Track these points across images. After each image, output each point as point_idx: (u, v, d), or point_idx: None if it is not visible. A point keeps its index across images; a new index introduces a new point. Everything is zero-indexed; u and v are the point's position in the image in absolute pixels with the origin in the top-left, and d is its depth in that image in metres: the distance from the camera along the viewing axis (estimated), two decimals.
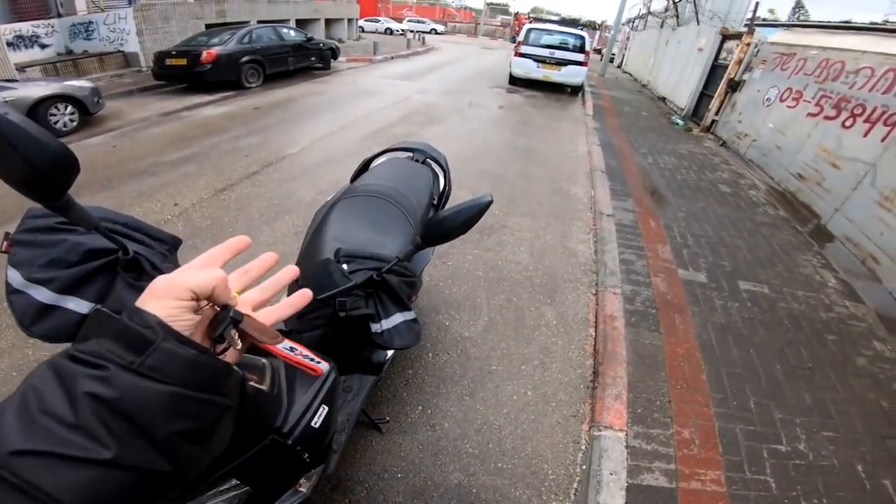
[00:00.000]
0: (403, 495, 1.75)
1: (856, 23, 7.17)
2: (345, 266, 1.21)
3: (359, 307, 1.15)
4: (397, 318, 1.21)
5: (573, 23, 19.28)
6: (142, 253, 0.84)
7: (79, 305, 0.77)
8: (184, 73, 7.95)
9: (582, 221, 4.17)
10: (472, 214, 1.26)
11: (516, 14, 39.06)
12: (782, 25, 7.77)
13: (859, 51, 4.92)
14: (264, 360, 0.94)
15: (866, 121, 4.36)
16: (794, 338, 2.79)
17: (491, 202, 1.31)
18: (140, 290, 0.80)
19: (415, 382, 2.23)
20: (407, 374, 2.27)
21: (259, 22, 12.17)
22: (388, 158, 2.24)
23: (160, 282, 0.41)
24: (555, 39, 10.95)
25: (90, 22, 9.88)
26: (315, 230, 1.63)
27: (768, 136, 6.15)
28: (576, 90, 11.43)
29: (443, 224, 1.26)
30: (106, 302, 0.77)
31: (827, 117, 5.00)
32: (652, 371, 2.41)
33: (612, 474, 1.85)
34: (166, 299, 0.40)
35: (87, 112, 5.72)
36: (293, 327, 1.15)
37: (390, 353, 1.74)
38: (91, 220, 0.69)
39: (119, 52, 9.75)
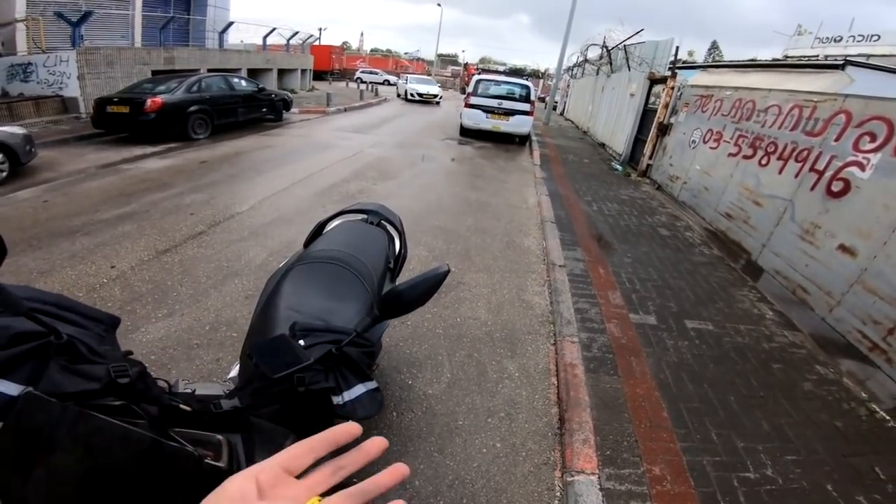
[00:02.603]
0: None
1: (760, 61, 7.68)
2: (301, 341, 1.18)
3: (318, 381, 1.12)
4: (359, 389, 1.19)
5: (519, 73, 20.65)
6: (76, 336, 0.82)
7: (8, 388, 0.73)
8: (126, 121, 7.63)
9: (536, 273, 4.28)
10: (430, 286, 1.26)
11: (465, 65, 41.27)
12: (699, 67, 8.20)
13: (766, 89, 5.28)
14: (220, 437, 0.92)
15: (779, 158, 4.65)
16: (742, 369, 2.96)
17: (448, 272, 1.32)
18: (76, 373, 0.77)
19: None
20: (371, 434, 2.16)
21: (209, 70, 12.08)
22: (341, 222, 2.23)
23: None
24: (502, 90, 11.45)
25: (29, 63, 9.52)
26: (268, 299, 1.58)
27: (697, 178, 6.48)
28: (523, 140, 11.92)
29: (400, 297, 1.26)
30: (38, 384, 0.74)
31: (745, 156, 5.30)
32: (615, 413, 2.47)
33: None
34: None
35: (17, 162, 5.34)
36: (248, 402, 1.09)
37: None
38: (18, 306, 0.68)
39: (57, 96, 9.34)
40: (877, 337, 3.05)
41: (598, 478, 2.06)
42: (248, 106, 10.14)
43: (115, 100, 7.73)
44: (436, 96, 21.90)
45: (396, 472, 0.44)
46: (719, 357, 3.07)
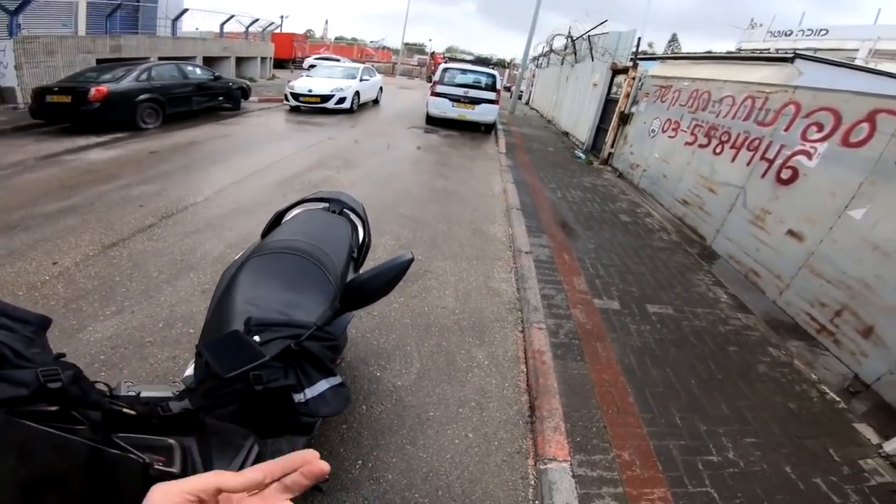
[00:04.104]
0: None
1: (716, 53, 7.74)
2: (257, 337, 1.12)
3: (277, 379, 1.06)
4: (322, 385, 1.14)
5: (485, 62, 20.59)
6: (0, 340, 0.75)
7: None
8: (68, 111, 7.16)
9: (503, 261, 4.29)
10: (394, 275, 1.22)
11: (432, 54, 40.76)
12: (659, 58, 8.46)
13: (721, 80, 5.46)
14: (171, 441, 0.89)
15: (732, 147, 4.82)
16: (701, 352, 3.05)
17: (412, 260, 1.27)
18: (1, 379, 0.70)
19: (351, 437, 2.13)
20: (342, 429, 2.15)
21: (161, 59, 11.47)
22: (301, 210, 2.15)
23: None
24: (469, 78, 11.41)
25: None
26: (223, 293, 1.49)
27: (656, 166, 6.67)
28: (489, 128, 11.95)
29: (363, 288, 1.21)
30: None
31: (701, 145, 5.48)
32: (583, 399, 2.49)
33: None
34: None
35: None
36: (199, 405, 1.02)
37: None
38: None
39: None
40: (824, 319, 3.18)
41: (571, 465, 2.07)
42: (204, 94, 9.72)
43: (56, 89, 7.23)
44: (328, 98, 11.46)
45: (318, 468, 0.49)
46: (679, 340, 3.16)
